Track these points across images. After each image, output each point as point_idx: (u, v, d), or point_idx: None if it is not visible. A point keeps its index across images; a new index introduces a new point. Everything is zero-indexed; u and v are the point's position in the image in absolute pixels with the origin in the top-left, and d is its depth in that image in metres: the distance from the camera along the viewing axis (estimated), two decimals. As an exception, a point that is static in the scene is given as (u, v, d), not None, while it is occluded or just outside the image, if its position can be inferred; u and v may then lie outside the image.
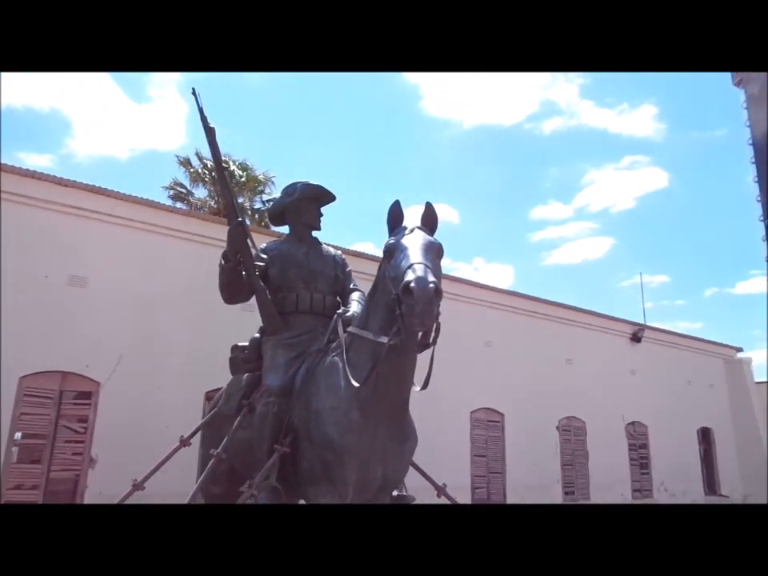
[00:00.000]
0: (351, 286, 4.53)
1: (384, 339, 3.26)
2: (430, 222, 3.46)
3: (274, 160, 47.99)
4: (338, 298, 4.45)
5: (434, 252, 3.22)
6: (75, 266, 7.52)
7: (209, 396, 7.94)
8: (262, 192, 21.72)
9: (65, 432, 7.18)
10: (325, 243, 4.65)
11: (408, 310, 2.87)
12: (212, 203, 20.32)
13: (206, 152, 20.48)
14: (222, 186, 4.37)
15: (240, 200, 19.26)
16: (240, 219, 4.12)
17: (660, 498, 13.94)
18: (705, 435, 15.88)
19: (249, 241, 4.16)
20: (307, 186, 4.45)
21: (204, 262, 8.04)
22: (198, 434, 4.83)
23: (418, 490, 4.24)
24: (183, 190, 20.48)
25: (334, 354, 3.77)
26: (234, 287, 4.20)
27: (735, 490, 15.69)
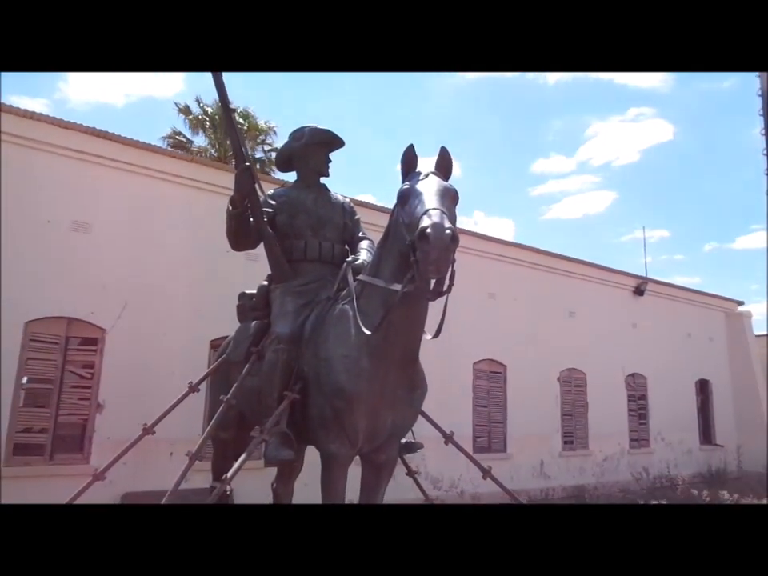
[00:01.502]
0: (360, 235, 4.48)
1: (397, 287, 3.23)
2: (444, 167, 3.38)
3: (276, 109, 47.04)
4: (346, 246, 4.40)
5: (449, 198, 3.15)
6: (78, 212, 7.40)
7: (214, 344, 7.98)
8: (263, 141, 21.41)
9: (71, 377, 7.21)
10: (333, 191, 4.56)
11: (423, 257, 2.81)
12: (212, 151, 20.02)
13: (206, 97, 20.13)
14: (230, 127, 4.25)
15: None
16: (248, 164, 4.03)
17: (656, 447, 14.21)
18: (702, 387, 16.06)
19: (257, 186, 4.08)
20: (315, 131, 4.35)
21: (209, 209, 8.01)
22: (206, 381, 4.83)
23: (425, 438, 4.29)
24: (183, 139, 20.15)
25: (343, 302, 3.74)
26: (241, 233, 4.15)
27: (730, 439, 16.01)
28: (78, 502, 3.98)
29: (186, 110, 20.07)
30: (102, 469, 4.21)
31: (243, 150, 4.13)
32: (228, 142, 18.24)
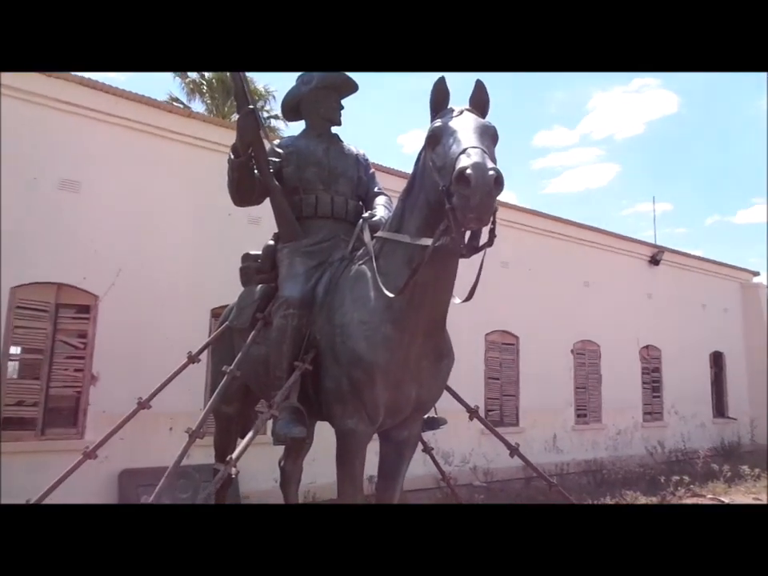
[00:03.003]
0: (376, 190, 4.09)
1: (426, 241, 2.84)
2: (480, 104, 2.94)
3: (276, 73, 46.12)
4: (360, 202, 4.03)
5: (489, 136, 2.74)
6: (67, 169, 6.84)
7: (215, 313, 7.58)
8: (263, 107, 20.94)
9: (63, 348, 6.79)
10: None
11: (462, 202, 2.43)
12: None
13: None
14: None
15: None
16: (252, 107, 3.62)
17: (670, 420, 13.95)
18: (716, 359, 15.75)
19: (261, 132, 3.67)
20: (326, 74, 3.94)
21: (209, 168, 7.52)
22: (207, 351, 4.50)
23: (447, 412, 3.93)
24: (180, 105, 19.54)
25: (360, 261, 3.40)
26: (244, 186, 3.76)
27: (743, 413, 15.78)
28: (72, 479, 3.76)
29: (182, 74, 19.43)
30: (94, 446, 3.90)
31: (246, 91, 3.71)
32: (232, 99, 17.64)
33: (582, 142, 45.98)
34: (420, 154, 3.07)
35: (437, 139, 2.77)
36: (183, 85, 19.51)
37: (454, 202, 2.49)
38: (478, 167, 2.38)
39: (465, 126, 2.72)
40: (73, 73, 6.88)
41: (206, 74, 19.17)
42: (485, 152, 2.50)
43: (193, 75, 19.50)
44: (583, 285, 12.40)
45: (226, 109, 18.98)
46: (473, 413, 4.14)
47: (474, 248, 2.78)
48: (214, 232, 7.64)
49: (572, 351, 12.00)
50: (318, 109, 4.01)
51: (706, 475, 9.69)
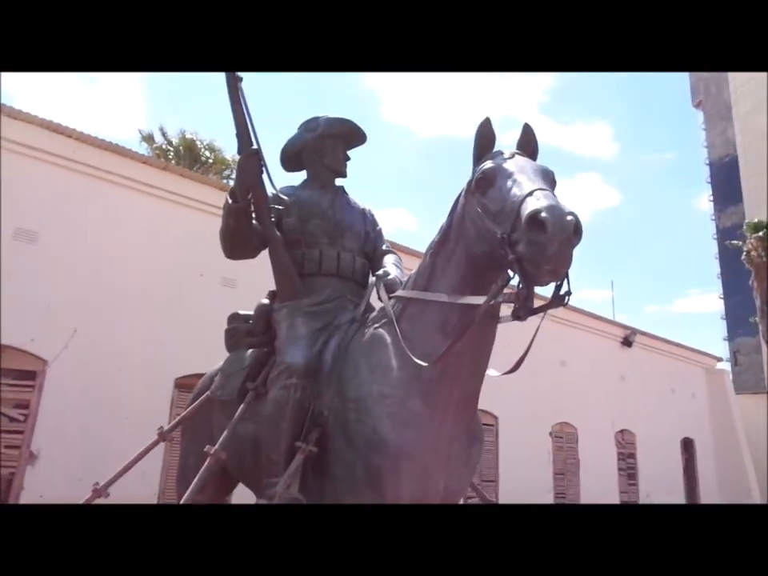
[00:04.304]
0: (384, 248, 3.69)
1: (476, 299, 2.42)
2: (530, 147, 2.61)
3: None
4: (366, 261, 3.61)
5: (549, 182, 2.38)
6: (22, 217, 6.17)
7: (179, 383, 6.84)
8: (229, 176, 20.80)
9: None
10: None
11: (534, 251, 2.03)
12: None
13: (170, 128, 19.47)
14: (234, 101, 3.42)
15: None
16: (255, 147, 3.23)
17: (646, 510, 13.43)
18: (687, 445, 15.62)
19: (264, 176, 3.28)
20: (333, 120, 3.64)
21: (181, 224, 6.98)
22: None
23: None
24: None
25: (376, 325, 2.95)
26: (240, 235, 3.32)
27: (714, 500, 15.41)
28: None
29: (149, 139, 19.16)
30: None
31: (250, 127, 3.30)
32: (198, 166, 17.34)
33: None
34: (456, 202, 2.69)
35: (489, 181, 2.39)
36: (150, 150, 19.18)
37: (522, 252, 2.08)
38: (555, 210, 2.01)
39: (523, 167, 2.38)
40: (34, 114, 6.38)
41: (174, 140, 18.93)
42: (555, 196, 2.15)
43: (159, 140, 19.28)
44: (560, 364, 12.09)
45: (191, 175, 18.68)
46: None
47: (530, 309, 2.29)
48: (184, 293, 7.01)
49: (551, 434, 11.56)
50: (323, 158, 3.65)
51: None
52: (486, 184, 2.39)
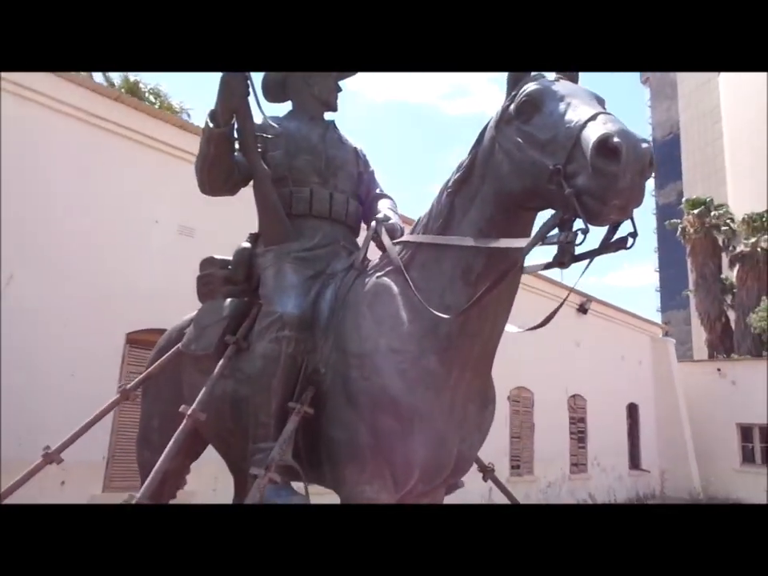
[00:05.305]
0: (378, 191, 3.36)
1: (517, 242, 2.11)
2: (570, 76, 2.27)
3: (192, 89, 44.48)
4: (359, 204, 3.29)
5: (603, 105, 2.06)
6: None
7: (131, 338, 6.32)
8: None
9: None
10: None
11: (601, 184, 1.75)
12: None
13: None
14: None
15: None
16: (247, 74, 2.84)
17: (593, 472, 13.89)
18: (632, 411, 16.11)
19: (252, 98, 2.87)
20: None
21: (133, 162, 6.33)
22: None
23: None
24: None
25: (379, 273, 2.64)
26: (220, 166, 2.93)
27: (654, 465, 16.08)
28: None
29: (88, 79, 17.75)
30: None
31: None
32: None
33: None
34: (482, 135, 2.33)
35: (535, 106, 2.05)
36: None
37: (583, 185, 1.78)
38: (629, 136, 1.72)
39: (574, 90, 2.05)
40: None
41: (116, 82, 17.58)
42: (621, 121, 1.82)
43: (99, 81, 17.87)
44: (519, 327, 12.04)
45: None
46: (488, 474, 3.28)
47: (574, 256, 1.97)
48: (137, 241, 6.39)
49: (509, 398, 11.57)
50: (312, 88, 3.25)
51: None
52: (530, 109, 2.05)
